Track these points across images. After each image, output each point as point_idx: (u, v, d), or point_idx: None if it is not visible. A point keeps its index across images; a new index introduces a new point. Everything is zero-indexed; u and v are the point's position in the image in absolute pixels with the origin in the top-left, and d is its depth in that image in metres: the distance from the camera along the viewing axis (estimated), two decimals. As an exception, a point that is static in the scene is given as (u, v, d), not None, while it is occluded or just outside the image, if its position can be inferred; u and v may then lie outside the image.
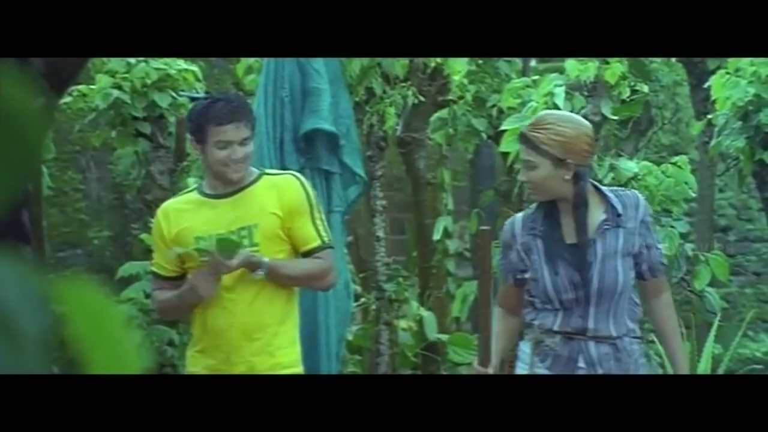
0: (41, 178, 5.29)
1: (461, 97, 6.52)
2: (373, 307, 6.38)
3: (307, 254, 3.64)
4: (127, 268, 6.03)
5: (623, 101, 5.21)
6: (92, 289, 0.76)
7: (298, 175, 3.79)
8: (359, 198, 5.62)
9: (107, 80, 6.06)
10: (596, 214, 3.34)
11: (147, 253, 6.17)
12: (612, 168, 5.01)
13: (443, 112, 6.52)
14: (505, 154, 5.49)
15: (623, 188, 3.43)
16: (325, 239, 3.66)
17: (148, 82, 6.06)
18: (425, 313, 6.90)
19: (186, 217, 3.60)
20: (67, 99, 5.98)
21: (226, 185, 3.59)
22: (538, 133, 3.30)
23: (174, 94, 6.21)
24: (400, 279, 6.66)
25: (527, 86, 5.48)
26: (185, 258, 3.58)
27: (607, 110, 5.15)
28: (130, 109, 6.11)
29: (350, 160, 5.28)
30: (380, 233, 6.15)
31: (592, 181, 3.44)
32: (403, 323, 6.84)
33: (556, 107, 5.01)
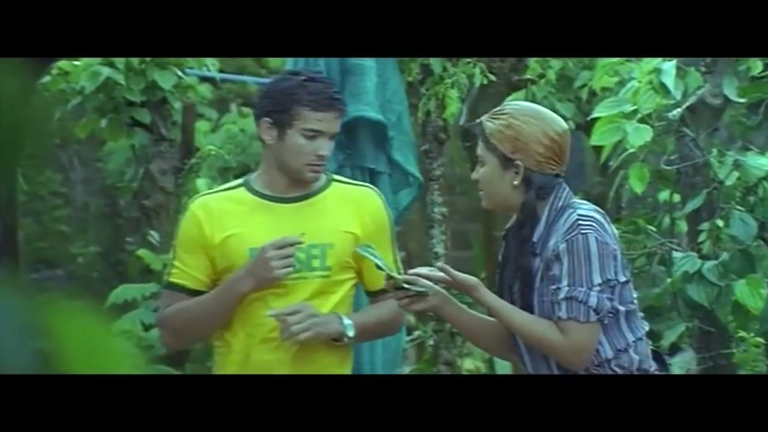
0: (15, 180, 5.35)
1: (542, 76, 6.52)
2: (431, 342, 6.38)
3: (382, 293, 3.67)
4: (121, 293, 6.07)
5: (753, 78, 5.17)
6: (86, 316, 0.77)
7: (376, 189, 3.84)
8: (413, 204, 5.62)
9: (96, 56, 6.11)
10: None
11: (145, 273, 6.23)
12: (737, 165, 4.97)
13: (519, 95, 6.52)
14: (598, 149, 5.47)
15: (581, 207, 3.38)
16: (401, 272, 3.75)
17: (147, 57, 6.10)
18: (496, 351, 6.89)
19: (236, 220, 3.60)
20: (44, 78, 6.04)
21: (295, 187, 3.62)
22: (491, 122, 3.39)
23: (179, 73, 6.25)
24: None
25: (627, 61, 5.46)
26: (221, 269, 3.58)
27: (730, 91, 5.12)
28: (125, 92, 6.16)
29: (401, 157, 5.29)
30: (439, 248, 6.15)
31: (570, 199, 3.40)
32: (468, 363, 6.84)
33: (664, 88, 4.98)
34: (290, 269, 3.49)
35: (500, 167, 3.37)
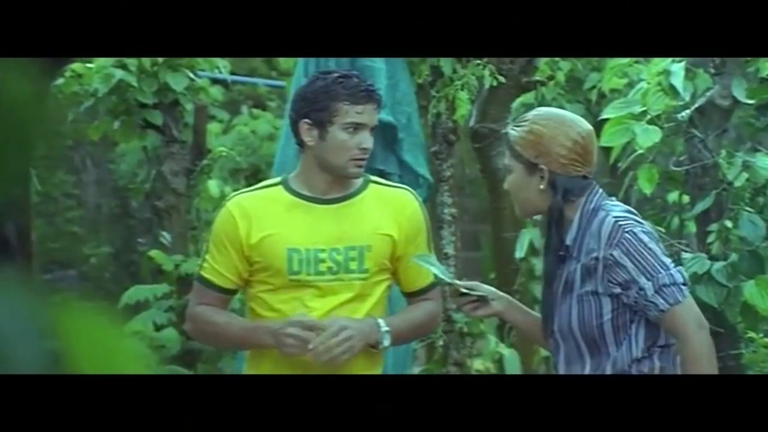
0: (30, 181, 5.36)
1: (551, 78, 6.51)
2: (440, 343, 6.37)
3: (418, 294, 3.72)
4: (133, 294, 6.07)
5: (762, 80, 5.16)
6: (98, 317, 0.77)
7: (413, 191, 3.85)
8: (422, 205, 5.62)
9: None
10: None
11: (157, 274, 6.23)
12: (746, 166, 4.96)
13: (528, 97, 6.51)
14: (607, 150, 5.46)
15: (614, 206, 3.38)
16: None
17: (159, 59, 6.11)
18: (506, 351, 6.88)
19: (273, 220, 3.60)
20: (58, 81, 6.05)
21: (334, 187, 3.62)
22: (513, 130, 3.44)
23: (191, 75, 6.26)
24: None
25: (636, 62, 5.45)
26: (258, 268, 3.60)
27: (739, 92, 5.10)
28: (137, 94, 6.17)
29: (411, 158, 5.29)
30: (449, 249, 6.15)
31: (601, 201, 3.40)
32: (478, 363, 6.83)
33: (673, 89, 4.97)
34: (299, 351, 3.48)
35: (526, 173, 3.40)
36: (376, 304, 3.61)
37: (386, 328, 3.57)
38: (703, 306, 4.95)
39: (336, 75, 3.62)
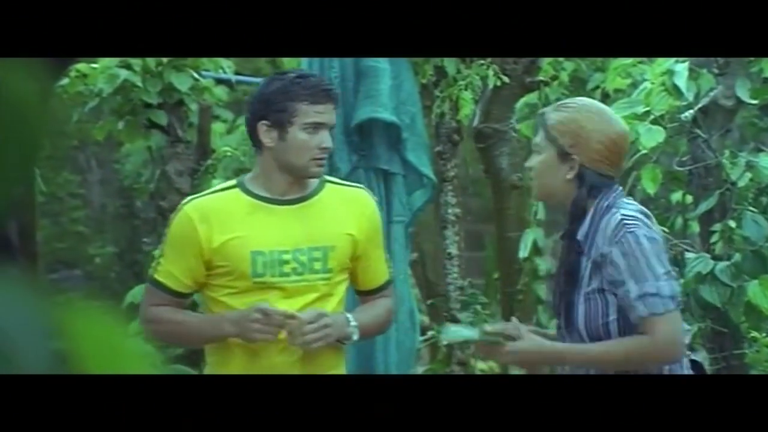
0: (34, 181, 5.36)
1: (555, 78, 6.50)
2: (444, 342, 6.37)
3: (374, 292, 3.73)
4: (137, 293, 6.06)
5: (766, 80, 5.16)
6: (103, 317, 0.76)
7: (368, 189, 3.87)
8: (427, 205, 5.62)
9: (113, 58, 6.11)
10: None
11: (161, 273, 6.23)
12: (749, 166, 4.96)
13: (532, 97, 6.50)
14: (612, 150, 5.45)
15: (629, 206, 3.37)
16: (391, 271, 3.80)
17: (164, 60, 6.11)
18: (510, 351, 6.88)
19: (235, 223, 3.56)
20: (62, 81, 6.05)
21: (293, 188, 3.60)
22: (555, 112, 3.41)
23: (196, 75, 6.26)
24: (478, 307, 6.64)
25: (639, 63, 5.45)
26: (220, 272, 3.57)
27: (743, 92, 5.10)
28: (142, 94, 6.17)
29: (415, 158, 5.29)
30: (453, 249, 6.14)
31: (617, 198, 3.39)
32: (481, 363, 6.83)
33: (677, 90, 4.97)
34: (272, 337, 3.46)
35: (557, 159, 3.37)
36: (339, 303, 3.62)
37: (355, 323, 3.57)
38: (707, 305, 4.96)
39: (293, 75, 3.60)
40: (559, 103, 3.51)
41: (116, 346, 0.78)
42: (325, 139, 3.55)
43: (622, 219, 3.27)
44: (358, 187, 3.86)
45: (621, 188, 3.42)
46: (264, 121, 3.56)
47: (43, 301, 0.75)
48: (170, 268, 3.59)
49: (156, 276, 3.63)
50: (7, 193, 0.75)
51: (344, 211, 3.64)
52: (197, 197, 3.68)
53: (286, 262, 3.54)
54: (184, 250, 3.57)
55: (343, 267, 3.62)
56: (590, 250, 3.31)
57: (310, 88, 3.54)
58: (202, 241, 3.53)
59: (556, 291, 3.44)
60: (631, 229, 3.26)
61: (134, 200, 10.40)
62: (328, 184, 3.69)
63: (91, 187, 11.37)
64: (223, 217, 3.56)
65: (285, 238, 3.54)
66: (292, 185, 3.60)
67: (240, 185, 3.64)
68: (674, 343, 3.28)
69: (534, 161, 3.44)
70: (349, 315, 3.60)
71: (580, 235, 3.34)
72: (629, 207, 3.34)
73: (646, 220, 3.32)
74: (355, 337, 3.58)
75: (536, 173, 3.44)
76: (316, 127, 3.53)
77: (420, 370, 6.64)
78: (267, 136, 3.55)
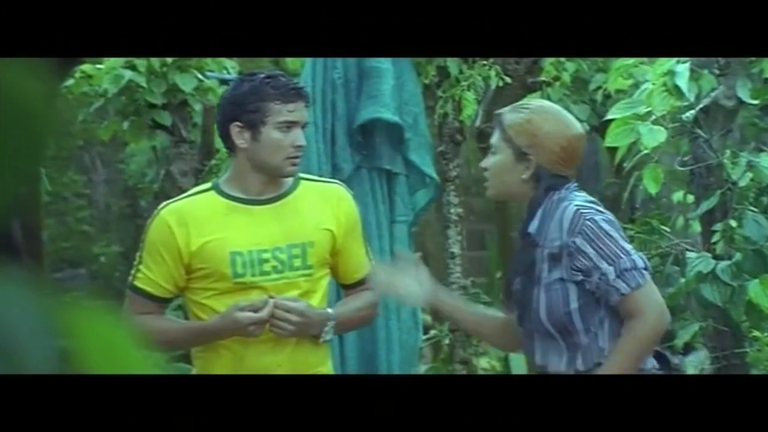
0: (39, 180, 5.37)
1: (557, 78, 6.50)
2: (447, 341, 6.37)
3: (356, 285, 3.72)
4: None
5: (766, 80, 5.16)
6: (108, 316, 0.77)
7: (343, 184, 3.86)
8: (429, 205, 5.62)
9: (118, 58, 6.12)
10: None
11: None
12: (750, 166, 4.96)
13: (534, 97, 6.50)
14: (613, 150, 5.46)
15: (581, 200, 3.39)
16: (371, 264, 3.79)
17: (168, 60, 6.12)
18: (512, 350, 6.89)
19: (212, 225, 3.56)
20: (68, 81, 6.06)
21: (268, 188, 3.60)
22: (512, 114, 3.44)
23: (200, 76, 6.27)
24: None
25: (641, 63, 5.45)
26: (200, 275, 3.56)
27: (744, 93, 5.10)
28: (146, 95, 6.18)
29: (418, 158, 5.29)
30: (455, 248, 6.15)
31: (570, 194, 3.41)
32: (484, 362, 6.83)
33: (678, 90, 4.97)
34: (263, 328, 3.46)
35: (513, 159, 3.40)
36: (321, 299, 3.61)
37: (331, 324, 3.57)
38: (708, 305, 4.96)
39: (262, 76, 3.60)
40: (516, 104, 3.55)
41: (120, 345, 0.78)
42: (298, 137, 3.55)
43: (577, 209, 3.30)
44: (333, 182, 3.88)
45: (574, 186, 3.43)
46: (236, 123, 3.55)
47: (47, 300, 0.75)
48: (150, 275, 3.58)
49: (136, 283, 3.61)
50: (13, 192, 0.76)
51: (321, 207, 3.64)
52: (173, 201, 3.68)
53: (266, 260, 3.54)
54: (162, 255, 3.56)
55: (323, 263, 3.61)
56: (544, 243, 3.33)
57: (280, 88, 3.54)
58: (181, 245, 3.53)
59: (511, 286, 3.46)
60: (589, 216, 3.29)
61: (139, 200, 10.40)
62: (303, 182, 3.68)
63: (95, 186, 11.38)
64: (200, 220, 3.56)
65: (263, 237, 3.54)
66: (268, 185, 3.60)
67: (215, 187, 3.64)
68: (662, 311, 3.32)
69: (490, 161, 3.46)
70: (330, 310, 3.60)
71: (531, 229, 3.36)
72: (580, 197, 3.37)
73: (598, 206, 3.37)
74: (328, 337, 3.58)
75: (492, 173, 3.47)
76: (289, 125, 3.53)
77: (423, 368, 6.64)
78: (240, 137, 3.55)
